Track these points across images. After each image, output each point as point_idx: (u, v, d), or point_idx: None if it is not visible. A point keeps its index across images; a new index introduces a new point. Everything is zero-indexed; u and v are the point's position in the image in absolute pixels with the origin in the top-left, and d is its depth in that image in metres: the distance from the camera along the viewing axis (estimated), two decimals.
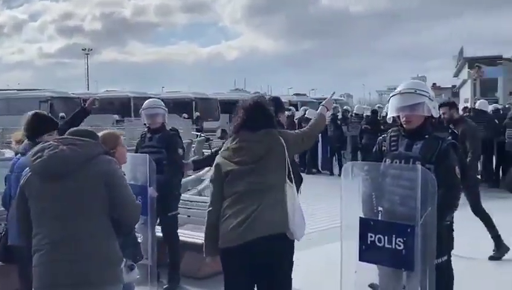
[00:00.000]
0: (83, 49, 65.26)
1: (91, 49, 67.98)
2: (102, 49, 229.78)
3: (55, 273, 2.61)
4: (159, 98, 7.47)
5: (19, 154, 3.68)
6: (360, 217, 3.11)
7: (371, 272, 3.18)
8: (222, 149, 3.54)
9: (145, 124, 5.27)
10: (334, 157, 13.86)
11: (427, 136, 3.23)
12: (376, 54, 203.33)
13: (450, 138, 3.32)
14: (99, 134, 3.45)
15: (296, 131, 3.81)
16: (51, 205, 2.65)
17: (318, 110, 3.90)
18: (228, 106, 25.74)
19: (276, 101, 4.09)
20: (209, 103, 28.31)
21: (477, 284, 4.90)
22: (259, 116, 3.43)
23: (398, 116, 3.29)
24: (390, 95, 3.36)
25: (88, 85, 58.92)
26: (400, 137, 3.31)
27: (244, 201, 3.27)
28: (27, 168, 2.77)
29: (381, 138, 3.48)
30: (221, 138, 19.69)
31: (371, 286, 3.22)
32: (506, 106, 16.38)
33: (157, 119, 5.14)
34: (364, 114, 14.46)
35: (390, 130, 3.44)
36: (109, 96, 27.88)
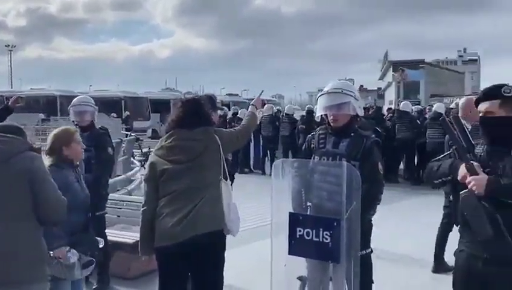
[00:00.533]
0: (6, 46, 61.80)
1: (14, 46, 64.46)
2: (27, 45, 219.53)
3: None
4: None
5: None
6: (290, 213, 3.19)
7: (300, 265, 3.28)
8: (156, 147, 3.52)
9: (73, 121, 5.12)
10: (266, 157, 14.03)
11: (352, 134, 3.38)
12: (307, 56, 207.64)
13: (373, 136, 3.48)
14: (54, 131, 3.37)
15: (231, 130, 3.85)
16: None
17: (249, 110, 3.96)
18: (159, 106, 25.46)
19: (211, 99, 4.11)
20: (139, 102, 27.78)
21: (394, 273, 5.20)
22: (195, 114, 3.44)
23: (326, 115, 3.42)
24: (318, 94, 3.49)
25: (11, 83, 55.90)
26: (327, 135, 3.44)
27: (181, 200, 3.27)
28: None
29: (310, 136, 3.60)
30: (152, 138, 19.44)
31: (299, 278, 3.32)
32: (427, 107, 17.26)
33: (86, 117, 5.01)
34: (300, 114, 14.77)
35: (318, 129, 3.57)
36: (35, 94, 26.64)
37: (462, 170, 2.54)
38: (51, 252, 3.17)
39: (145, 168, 4.08)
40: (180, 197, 3.28)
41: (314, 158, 3.42)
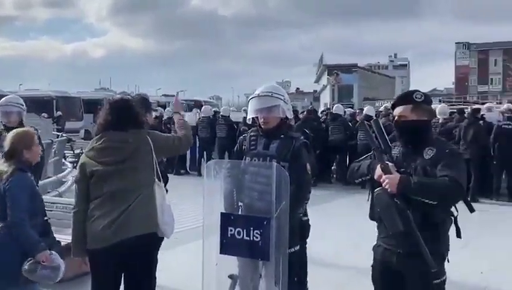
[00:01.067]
0: None
1: None
2: None
3: None
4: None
5: None
6: (221, 213, 3.27)
7: (231, 263, 3.35)
8: (87, 149, 3.49)
9: (1, 122, 4.97)
10: (202, 159, 14.05)
11: (282, 136, 3.52)
12: (245, 58, 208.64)
13: (302, 137, 3.65)
14: (13, 133, 3.36)
15: (168, 134, 3.86)
16: None
17: (175, 120, 3.93)
18: (92, 106, 24.72)
19: (144, 100, 4.12)
20: (71, 102, 26.98)
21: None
22: (127, 115, 3.44)
23: (257, 117, 3.55)
24: (249, 97, 3.61)
25: None
26: (258, 137, 3.56)
27: (113, 202, 3.27)
28: None
29: (241, 137, 3.72)
30: (85, 139, 18.92)
31: (230, 276, 3.39)
32: (358, 110, 17.85)
33: (13, 117, 4.88)
34: (237, 116, 14.88)
35: (250, 130, 3.69)
36: None
37: (378, 169, 2.74)
38: (31, 260, 3.14)
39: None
40: (111, 199, 3.27)
41: (245, 159, 3.54)
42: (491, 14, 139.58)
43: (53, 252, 3.35)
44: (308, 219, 4.06)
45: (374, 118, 12.20)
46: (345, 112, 14.11)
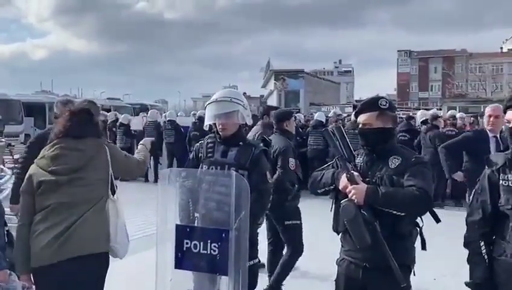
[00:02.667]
0: None
1: None
2: None
3: None
4: None
5: None
6: (177, 224, 3.10)
7: (187, 278, 3.20)
8: (38, 157, 3.23)
9: None
10: (149, 164, 13.65)
11: (241, 143, 3.37)
12: (191, 62, 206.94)
13: (261, 144, 3.51)
14: None
15: (128, 154, 3.61)
16: None
17: (140, 147, 3.80)
18: (33, 109, 23.78)
19: (92, 105, 3.87)
20: (10, 105, 25.69)
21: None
22: (88, 124, 3.24)
23: (215, 124, 3.38)
24: (207, 103, 3.44)
25: None
26: (216, 144, 3.40)
27: (59, 214, 3.03)
28: None
29: (198, 144, 3.54)
30: (25, 143, 18.07)
31: None
32: (306, 116, 18.00)
33: None
34: (184, 120, 14.60)
35: (206, 137, 3.52)
36: None
37: (343, 179, 2.63)
38: None
39: (15, 175, 3.73)
40: (58, 212, 3.03)
41: (202, 167, 3.36)
42: (429, 24, 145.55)
43: (13, 273, 3.06)
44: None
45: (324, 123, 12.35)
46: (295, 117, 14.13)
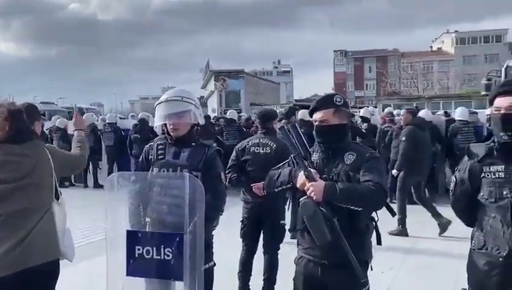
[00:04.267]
0: None
1: None
2: None
3: None
4: None
5: None
6: (127, 230, 2.97)
7: (139, 285, 3.08)
8: None
9: None
10: (88, 169, 13.18)
11: (193, 144, 3.26)
12: (127, 63, 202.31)
13: (215, 144, 3.42)
14: None
15: (66, 151, 3.46)
16: None
17: (76, 136, 3.65)
18: None
19: (32, 108, 3.61)
20: None
21: None
22: (25, 126, 3.05)
23: (165, 125, 3.26)
24: (156, 103, 3.31)
25: None
26: (167, 145, 3.27)
27: (10, 225, 2.87)
28: None
29: (147, 146, 3.40)
30: None
31: None
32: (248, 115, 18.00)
33: None
34: (122, 122, 14.23)
35: (156, 139, 3.39)
36: None
37: (301, 177, 2.61)
38: None
39: None
40: (8, 222, 2.87)
41: (153, 170, 3.24)
42: (364, 24, 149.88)
43: None
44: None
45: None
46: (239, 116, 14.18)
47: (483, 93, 14.44)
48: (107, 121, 13.61)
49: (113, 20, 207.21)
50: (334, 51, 75.55)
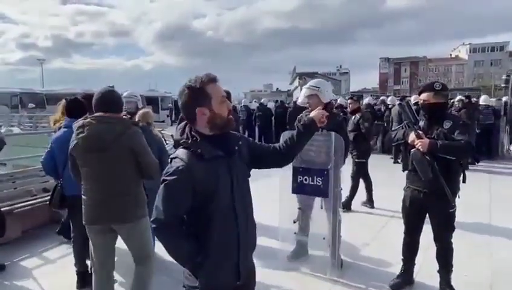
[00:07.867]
0: (38, 59, 54.66)
1: (44, 60, 57.36)
2: (53, 59, 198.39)
3: (97, 212, 2.27)
4: None
5: (61, 129, 2.91)
6: (293, 166, 3.10)
7: (294, 197, 3.21)
8: None
9: None
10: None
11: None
12: (242, 69, 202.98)
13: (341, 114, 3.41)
14: None
15: None
16: (91, 170, 2.25)
17: None
18: (150, 101, 23.47)
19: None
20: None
21: None
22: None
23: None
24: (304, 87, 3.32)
25: (43, 85, 50.32)
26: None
27: None
28: (73, 138, 2.27)
29: (300, 115, 3.37)
30: None
31: (299, 208, 3.26)
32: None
33: None
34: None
35: (305, 111, 3.37)
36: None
37: (412, 135, 2.58)
38: None
39: None
40: None
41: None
42: (400, 39, 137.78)
43: None
44: None
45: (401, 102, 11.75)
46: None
47: (503, 85, 12.72)
48: (242, 104, 13.89)
49: (233, 41, 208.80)
50: (380, 58, 70.71)
